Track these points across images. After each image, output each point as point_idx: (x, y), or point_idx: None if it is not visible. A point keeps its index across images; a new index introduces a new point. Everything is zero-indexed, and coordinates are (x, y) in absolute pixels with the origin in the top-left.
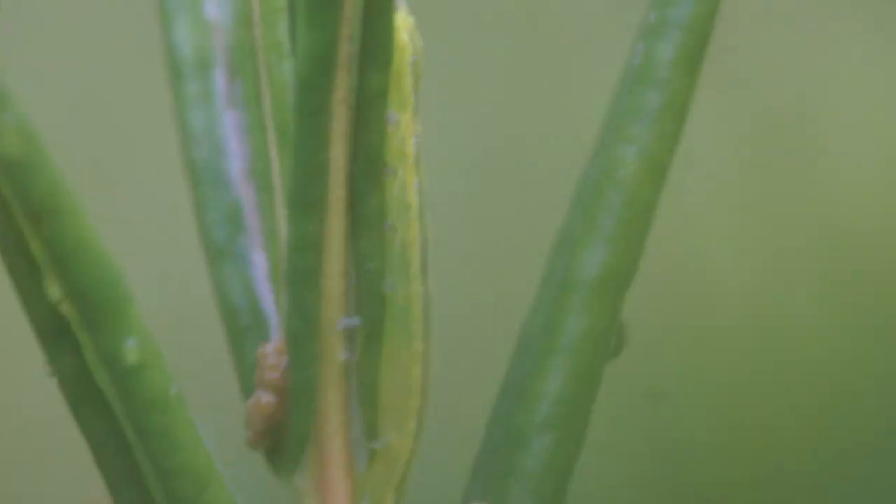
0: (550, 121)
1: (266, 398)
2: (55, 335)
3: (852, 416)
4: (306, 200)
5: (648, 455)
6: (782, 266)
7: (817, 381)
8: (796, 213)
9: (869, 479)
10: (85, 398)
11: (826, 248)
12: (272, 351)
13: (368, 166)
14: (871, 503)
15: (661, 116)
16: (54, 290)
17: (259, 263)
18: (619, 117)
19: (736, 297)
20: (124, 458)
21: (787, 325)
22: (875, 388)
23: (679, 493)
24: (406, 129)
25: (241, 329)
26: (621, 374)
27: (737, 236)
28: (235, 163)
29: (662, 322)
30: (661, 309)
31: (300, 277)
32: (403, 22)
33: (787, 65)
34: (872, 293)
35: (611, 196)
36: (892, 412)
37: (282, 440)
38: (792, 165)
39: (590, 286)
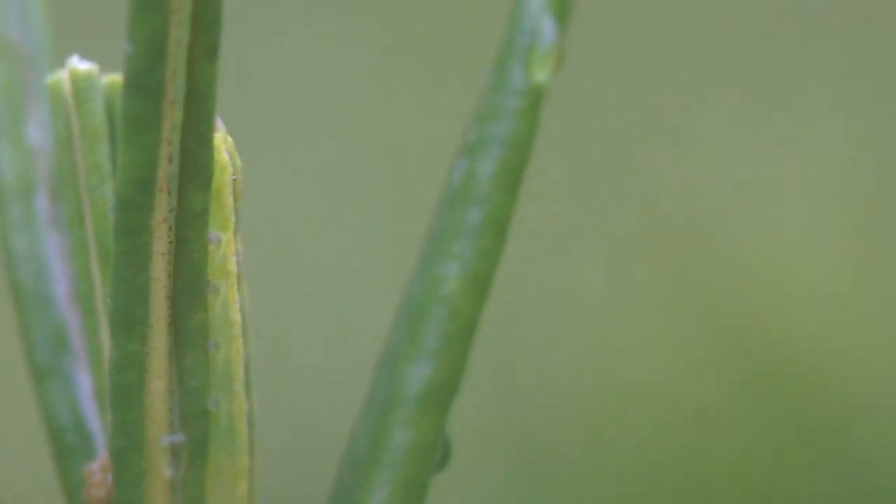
0: (371, 241)
1: None
2: None
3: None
4: (128, 320)
5: None
6: (701, 369)
7: (739, 482)
8: (713, 314)
9: None
10: None
11: (746, 353)
12: (98, 468)
13: (190, 285)
14: None
15: (483, 232)
16: None
17: (84, 383)
18: (441, 234)
19: (655, 399)
20: None
21: (706, 428)
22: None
23: None
24: (228, 248)
25: (67, 448)
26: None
27: (655, 344)
28: (60, 285)
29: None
30: (577, 419)
31: (123, 396)
32: (223, 142)
33: (702, 176)
34: (796, 402)
35: (434, 312)
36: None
37: None
38: (709, 277)
39: (414, 401)
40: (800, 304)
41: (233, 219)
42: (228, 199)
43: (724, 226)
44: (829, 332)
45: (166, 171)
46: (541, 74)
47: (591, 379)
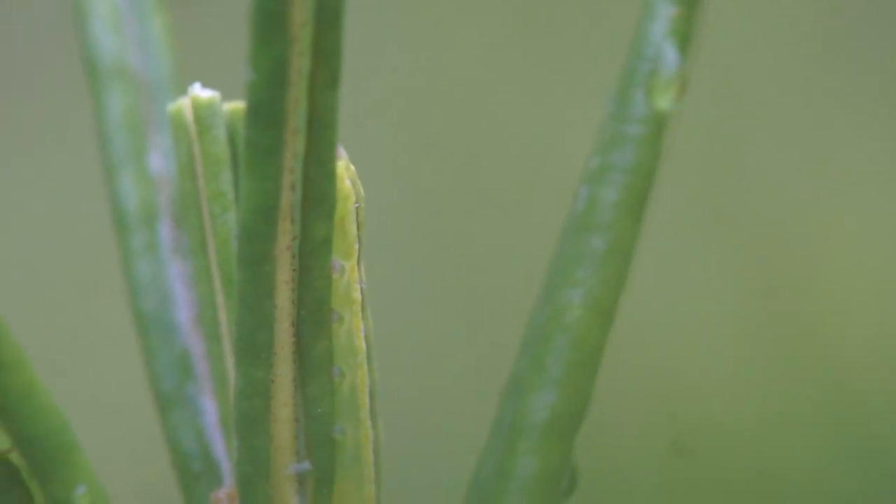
0: (495, 263)
1: None
2: (6, 483)
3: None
4: (253, 347)
5: None
6: (783, 410)
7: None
8: (797, 355)
9: None
10: None
11: (827, 394)
12: (224, 496)
13: (314, 313)
14: None
15: (607, 260)
16: (3, 440)
17: (209, 410)
18: (564, 261)
19: (736, 440)
20: None
21: (787, 470)
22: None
23: None
24: (351, 275)
25: (193, 475)
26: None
27: (738, 378)
28: (183, 312)
29: (666, 466)
30: (660, 455)
31: (249, 423)
32: (345, 170)
33: (793, 201)
34: (872, 444)
35: (558, 340)
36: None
37: None
38: (794, 310)
39: (539, 429)
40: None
41: (356, 247)
42: (352, 227)
43: (814, 247)
44: None
45: (289, 199)
46: (664, 101)
47: (675, 384)
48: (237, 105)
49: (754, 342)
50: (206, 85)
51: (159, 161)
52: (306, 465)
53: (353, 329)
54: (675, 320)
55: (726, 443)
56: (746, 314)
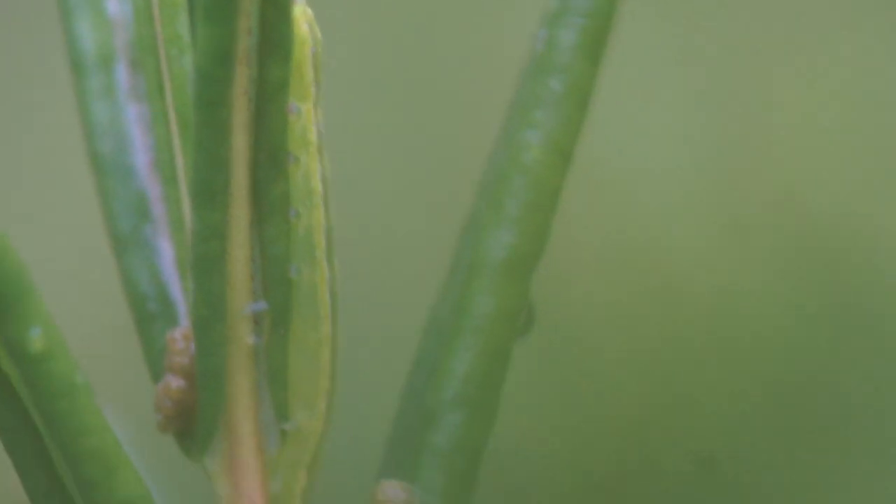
0: (454, 109)
1: (175, 383)
2: None
3: (800, 395)
4: (209, 190)
5: (581, 426)
6: (736, 242)
7: (768, 358)
8: (752, 188)
9: (818, 455)
10: None
11: (781, 225)
12: (180, 336)
13: (271, 155)
14: (819, 481)
15: (565, 102)
16: None
17: (165, 252)
18: (523, 103)
19: (691, 270)
20: (33, 444)
21: (738, 302)
22: (825, 368)
23: (605, 470)
24: (308, 118)
25: (149, 316)
26: (573, 347)
27: (692, 212)
28: (140, 155)
29: (617, 296)
30: (617, 283)
31: (206, 265)
32: (302, 14)
33: (751, 39)
34: (826, 272)
35: (516, 180)
36: (840, 391)
37: (192, 424)
38: (748, 140)
39: (497, 268)
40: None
41: (313, 90)
42: (308, 71)
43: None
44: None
45: (245, 43)
46: None
47: (641, 234)
48: None
49: (723, 196)
50: None
51: (116, 4)
52: (262, 304)
53: (310, 171)
54: (644, 168)
55: (691, 296)
56: (716, 169)
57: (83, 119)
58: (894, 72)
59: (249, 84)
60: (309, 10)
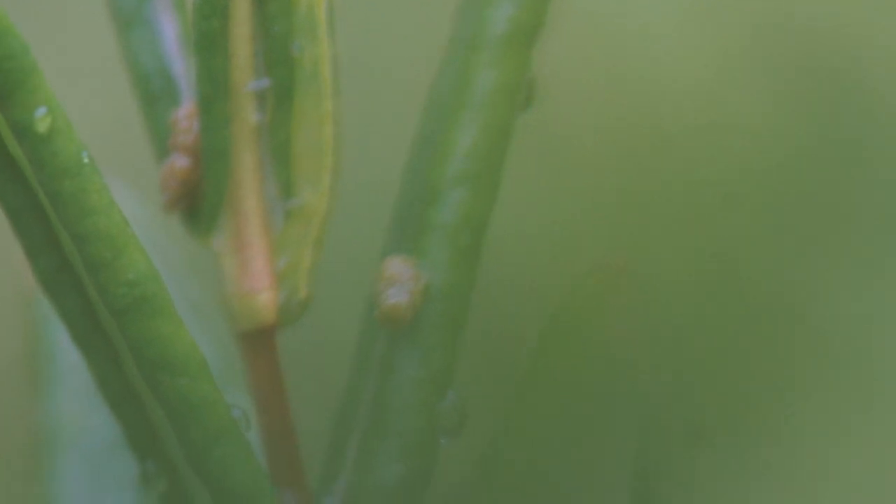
0: None
1: (180, 162)
2: None
3: (802, 215)
4: None
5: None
6: (731, 65)
7: (767, 181)
8: (746, 10)
9: (812, 276)
10: None
11: (777, 47)
12: (184, 115)
13: None
14: (821, 302)
15: None
16: None
17: (168, 30)
18: None
19: (683, 97)
20: (40, 226)
21: (736, 126)
22: (825, 186)
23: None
24: None
25: (153, 94)
26: (563, 177)
27: (684, 36)
28: None
29: (609, 124)
30: (608, 112)
31: (208, 42)
32: None
33: None
34: (824, 91)
35: None
36: (841, 207)
37: (197, 203)
38: None
39: (498, 42)
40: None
41: None
42: None
43: None
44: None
45: None
46: None
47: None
48: None
49: (715, 22)
50: None
51: None
52: (265, 82)
53: None
54: None
55: (682, 128)
56: None
57: None
58: None
59: None
60: None
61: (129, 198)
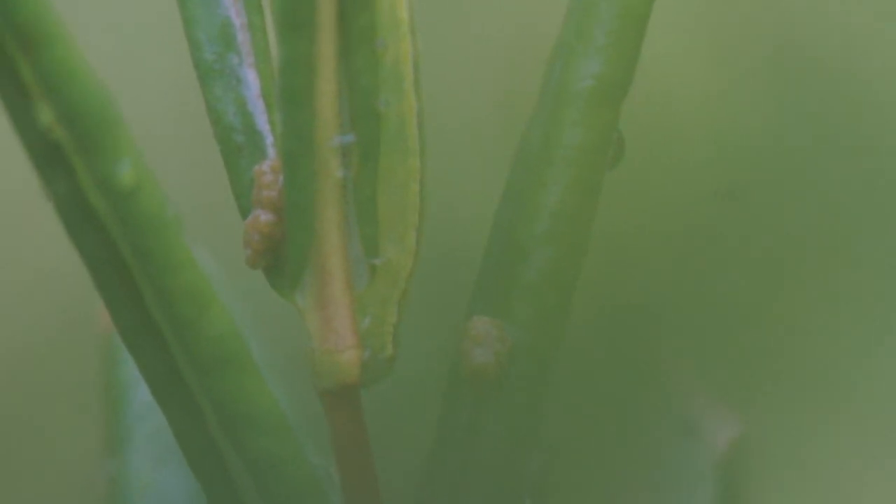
0: None
1: (264, 217)
2: (49, 160)
3: (799, 215)
4: (296, 19)
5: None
6: (734, 67)
7: (766, 175)
8: (748, 12)
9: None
10: (81, 221)
11: (764, 34)
12: (268, 169)
13: None
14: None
15: None
16: (46, 116)
17: (251, 82)
18: None
19: (687, 94)
20: (123, 281)
21: (738, 122)
22: (823, 187)
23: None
24: None
25: (237, 148)
26: None
27: (687, 36)
28: None
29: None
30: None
31: (293, 96)
32: None
33: None
34: (823, 90)
35: (602, 6)
36: (839, 207)
37: (281, 259)
38: None
39: (584, 98)
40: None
41: None
42: None
43: None
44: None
45: None
46: None
47: None
48: None
49: (707, 10)
50: None
51: None
52: (350, 137)
53: (396, 0)
54: None
55: (676, 103)
56: None
57: None
58: None
59: None
60: None
61: (206, 256)
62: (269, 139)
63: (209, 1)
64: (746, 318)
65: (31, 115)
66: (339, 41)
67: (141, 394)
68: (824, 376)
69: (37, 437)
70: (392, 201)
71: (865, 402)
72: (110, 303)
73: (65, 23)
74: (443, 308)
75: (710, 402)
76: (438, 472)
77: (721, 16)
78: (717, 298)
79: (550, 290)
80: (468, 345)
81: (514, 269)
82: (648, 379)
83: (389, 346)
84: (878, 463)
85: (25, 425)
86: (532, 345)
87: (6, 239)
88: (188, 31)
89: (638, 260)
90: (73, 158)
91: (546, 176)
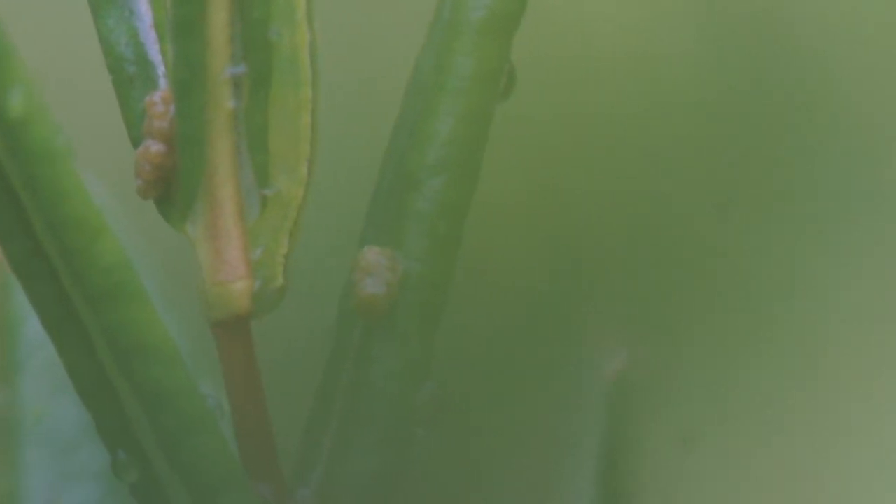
0: None
1: (155, 147)
2: None
3: (728, 157)
4: None
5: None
6: (662, 5)
7: (695, 120)
8: None
9: (739, 213)
10: None
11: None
12: (160, 100)
13: None
14: (736, 245)
15: None
16: None
17: (144, 13)
18: None
19: (615, 35)
20: (14, 211)
21: (666, 65)
22: (752, 127)
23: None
24: None
25: (128, 79)
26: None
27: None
28: None
29: (541, 56)
30: (540, 44)
31: (185, 27)
32: None
33: None
34: (753, 33)
35: None
36: (767, 152)
37: (172, 189)
38: None
39: (477, 28)
40: None
41: None
42: None
43: None
44: None
45: None
46: None
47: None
48: None
49: None
50: None
51: None
52: (242, 68)
53: None
54: None
55: (605, 38)
56: None
57: None
58: None
59: None
60: None
61: (97, 186)
62: (161, 70)
63: None
64: (656, 261)
65: None
66: None
67: (35, 324)
68: (713, 316)
69: None
70: (284, 132)
71: (751, 339)
72: (1, 233)
73: None
74: (336, 238)
75: (604, 336)
76: (328, 403)
77: None
78: (636, 241)
79: (442, 219)
80: (359, 275)
81: (405, 198)
82: (556, 313)
83: (280, 277)
84: (754, 390)
85: None
86: (424, 274)
87: None
88: None
89: (575, 204)
90: None
91: (438, 105)
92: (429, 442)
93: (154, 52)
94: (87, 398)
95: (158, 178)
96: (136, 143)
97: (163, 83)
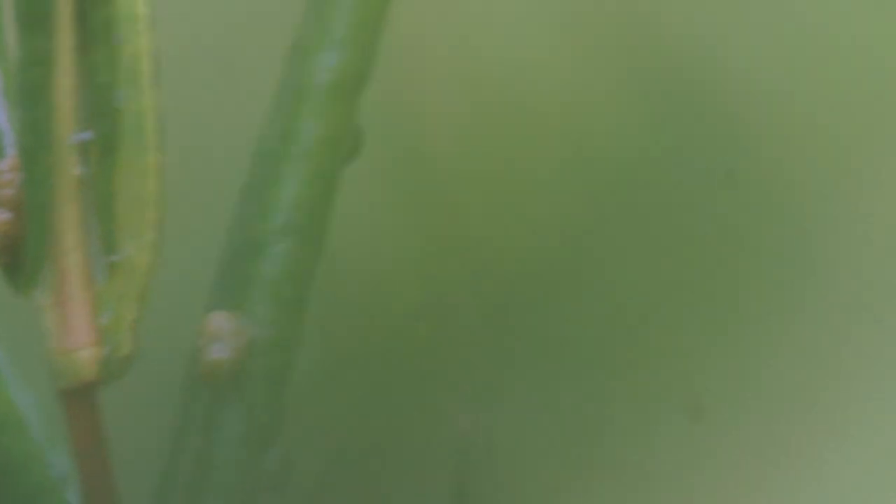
0: None
1: (2, 215)
2: None
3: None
4: (33, 16)
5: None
6: (582, 53)
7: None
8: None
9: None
10: None
11: (628, 35)
12: (6, 167)
13: None
14: (639, 270)
15: None
16: None
17: None
18: None
19: (538, 86)
20: None
21: (586, 113)
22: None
23: (454, 281)
24: None
25: None
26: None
27: (542, 25)
28: None
29: (462, 112)
30: (463, 99)
31: (31, 93)
32: None
33: None
34: (675, 82)
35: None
36: (680, 197)
37: (20, 257)
38: None
39: (323, 91)
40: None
41: None
42: None
43: None
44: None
45: None
46: None
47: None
48: None
49: (576, 9)
50: None
51: None
52: (88, 134)
53: None
54: None
55: (538, 110)
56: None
57: None
58: None
59: None
60: None
61: None
62: (9, 138)
63: None
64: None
65: None
66: (78, 37)
67: None
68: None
69: None
70: (130, 198)
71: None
72: None
73: None
74: (183, 303)
75: (460, 400)
76: (176, 470)
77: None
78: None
79: (287, 283)
80: (205, 340)
81: (251, 262)
82: (412, 377)
83: (128, 344)
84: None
85: None
86: (270, 338)
87: None
88: None
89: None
90: None
91: (283, 169)
92: None
93: (2, 119)
94: None
95: (5, 245)
96: None
97: (10, 151)
